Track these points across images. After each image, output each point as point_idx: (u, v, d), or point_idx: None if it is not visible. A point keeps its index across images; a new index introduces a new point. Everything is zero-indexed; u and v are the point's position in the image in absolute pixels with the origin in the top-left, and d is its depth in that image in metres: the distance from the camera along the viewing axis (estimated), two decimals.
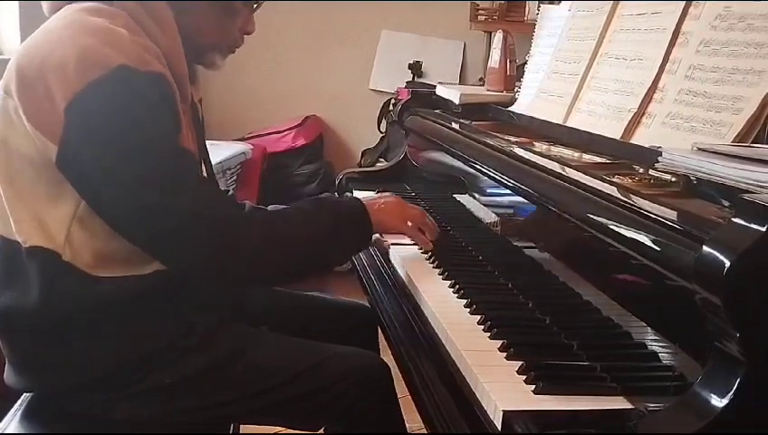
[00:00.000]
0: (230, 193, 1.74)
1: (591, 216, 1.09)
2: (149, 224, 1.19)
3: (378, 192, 2.05)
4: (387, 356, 1.39)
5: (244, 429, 1.77)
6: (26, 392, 1.34)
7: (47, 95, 1.14)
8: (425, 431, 1.16)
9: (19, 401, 1.35)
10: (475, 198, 1.65)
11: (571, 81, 1.60)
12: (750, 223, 0.77)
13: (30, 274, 1.20)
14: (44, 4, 1.31)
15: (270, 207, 1.39)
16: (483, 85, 2.33)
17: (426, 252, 1.53)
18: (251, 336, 1.35)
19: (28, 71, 1.18)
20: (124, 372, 1.24)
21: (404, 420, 1.39)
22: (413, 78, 4.06)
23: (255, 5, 1.40)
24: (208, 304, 1.32)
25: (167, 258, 1.24)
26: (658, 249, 0.92)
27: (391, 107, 3.73)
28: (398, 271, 1.51)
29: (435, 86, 2.31)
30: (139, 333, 1.24)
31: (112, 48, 1.15)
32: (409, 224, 1.49)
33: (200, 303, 1.30)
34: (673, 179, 1.11)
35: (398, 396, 1.37)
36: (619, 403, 0.94)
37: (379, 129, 3.96)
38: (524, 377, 0.99)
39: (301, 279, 1.45)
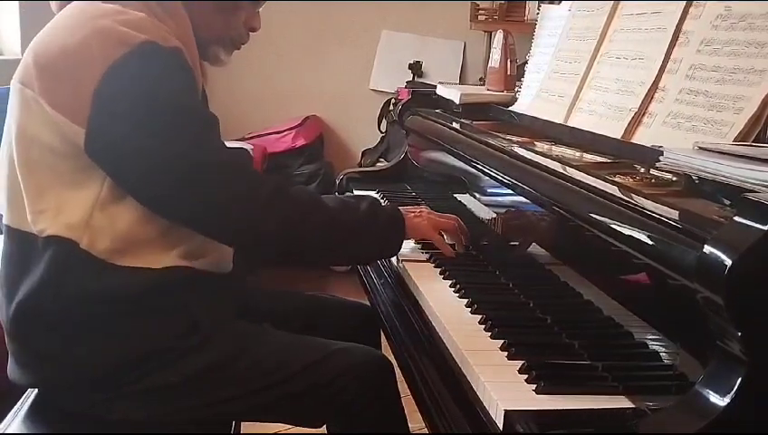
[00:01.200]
0: None
1: (593, 215, 1.09)
2: (196, 188, 1.20)
3: (378, 191, 2.05)
4: (388, 356, 1.39)
5: (244, 428, 1.77)
6: (29, 387, 1.34)
7: (70, 79, 1.16)
8: (426, 431, 1.16)
9: (20, 401, 1.35)
10: (475, 197, 1.65)
11: (572, 80, 1.60)
12: (752, 222, 0.77)
13: (43, 265, 1.20)
14: (53, 3, 1.33)
15: None
16: (483, 85, 2.32)
17: (425, 251, 1.54)
18: (252, 334, 1.35)
19: (47, 58, 1.19)
20: (126, 369, 1.24)
21: (406, 417, 1.39)
22: (413, 78, 4.06)
23: (260, 3, 1.42)
24: (213, 303, 1.32)
25: (210, 221, 1.25)
26: (660, 249, 0.92)
27: (391, 107, 3.73)
28: (399, 271, 1.51)
29: (435, 86, 2.31)
30: (143, 330, 1.24)
31: (132, 27, 1.17)
32: (438, 234, 1.52)
33: (206, 302, 1.30)
34: (674, 179, 1.12)
35: (401, 396, 1.37)
36: (620, 403, 0.94)
37: (379, 129, 3.96)
38: (526, 376, 0.99)
39: (329, 263, 1.43)
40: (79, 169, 1.20)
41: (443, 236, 1.54)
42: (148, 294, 1.23)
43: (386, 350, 1.45)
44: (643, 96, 1.34)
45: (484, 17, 3.82)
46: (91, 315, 1.22)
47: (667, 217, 0.94)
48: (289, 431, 2.22)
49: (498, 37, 2.12)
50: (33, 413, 1.31)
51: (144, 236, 1.23)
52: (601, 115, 1.45)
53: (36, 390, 1.35)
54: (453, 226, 1.54)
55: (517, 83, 1.98)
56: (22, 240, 1.23)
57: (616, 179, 1.15)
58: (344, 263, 1.46)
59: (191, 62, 1.25)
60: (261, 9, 1.44)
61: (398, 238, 1.44)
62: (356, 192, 2.11)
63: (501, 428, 0.91)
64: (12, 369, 1.30)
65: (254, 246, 1.33)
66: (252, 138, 3.93)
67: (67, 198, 1.20)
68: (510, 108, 1.86)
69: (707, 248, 0.80)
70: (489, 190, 1.56)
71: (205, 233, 1.27)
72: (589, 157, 1.39)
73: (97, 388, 1.25)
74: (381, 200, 1.98)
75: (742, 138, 1.10)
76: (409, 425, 1.42)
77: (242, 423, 1.74)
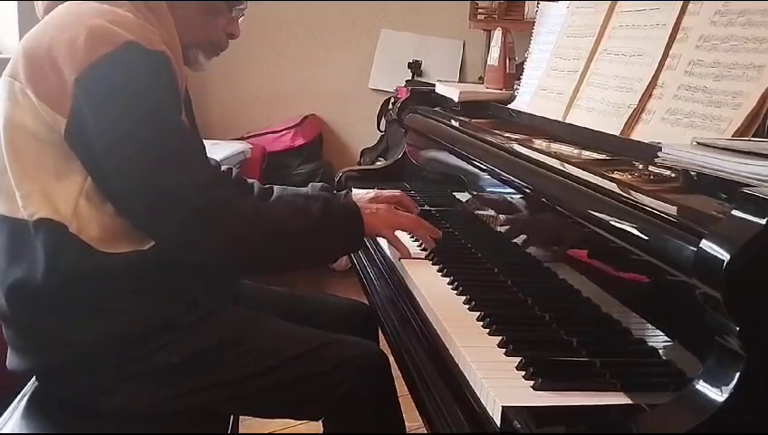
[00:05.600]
0: (233, 172, 1.75)
1: (591, 212, 1.09)
2: (146, 195, 1.21)
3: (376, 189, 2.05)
4: (386, 354, 1.39)
5: (243, 427, 1.77)
6: (28, 374, 1.34)
7: (56, 70, 1.18)
8: (424, 431, 1.16)
9: (18, 397, 1.34)
10: (474, 195, 1.65)
11: (571, 78, 1.59)
12: (750, 216, 0.77)
13: (36, 246, 1.22)
14: (39, 5, 1.34)
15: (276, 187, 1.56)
16: (482, 84, 2.32)
17: (425, 249, 1.53)
18: (251, 318, 1.36)
19: (36, 51, 1.22)
20: (125, 348, 1.24)
21: (402, 413, 1.39)
22: (412, 77, 4.06)
23: (238, 9, 1.43)
24: (210, 282, 1.32)
25: (157, 233, 1.25)
26: (658, 244, 0.92)
27: (391, 106, 3.73)
28: (398, 269, 1.50)
29: (434, 85, 2.30)
30: (140, 305, 1.25)
31: (119, 27, 1.20)
32: (396, 232, 1.49)
33: (202, 280, 1.30)
34: (673, 175, 1.11)
35: (398, 394, 1.37)
36: (618, 399, 0.94)
37: (378, 128, 3.96)
38: (523, 373, 0.99)
39: (286, 271, 1.44)
40: (62, 159, 1.22)
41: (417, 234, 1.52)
42: (143, 272, 1.25)
43: (384, 349, 1.44)
44: (641, 93, 1.34)
45: (484, 16, 3.82)
46: (86, 294, 1.23)
47: (665, 213, 0.93)
48: (286, 431, 2.22)
49: (497, 35, 2.12)
50: (32, 407, 1.31)
51: (129, 224, 1.24)
52: (600, 112, 1.45)
53: (36, 383, 1.34)
54: (411, 224, 1.51)
55: (516, 82, 1.98)
56: (13, 228, 1.24)
57: (614, 176, 1.15)
58: (304, 266, 1.47)
59: (176, 66, 1.27)
60: (241, 19, 1.45)
61: (357, 236, 1.40)
62: (355, 190, 2.11)
63: (498, 424, 0.90)
64: (10, 358, 1.30)
65: (201, 261, 1.30)
66: (251, 137, 3.93)
67: (53, 185, 1.22)
68: (508, 106, 1.86)
69: (705, 243, 0.79)
70: (488, 188, 1.56)
71: (152, 236, 1.26)
72: (587, 154, 1.38)
73: (96, 369, 1.25)
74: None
75: (740, 133, 1.10)
76: (407, 424, 1.42)
77: (239, 424, 1.74)
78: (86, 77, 1.17)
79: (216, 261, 1.30)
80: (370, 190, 1.81)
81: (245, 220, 1.28)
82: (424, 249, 1.53)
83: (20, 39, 2.95)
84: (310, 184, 1.77)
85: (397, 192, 1.75)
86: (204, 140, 1.47)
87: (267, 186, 1.75)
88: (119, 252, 1.24)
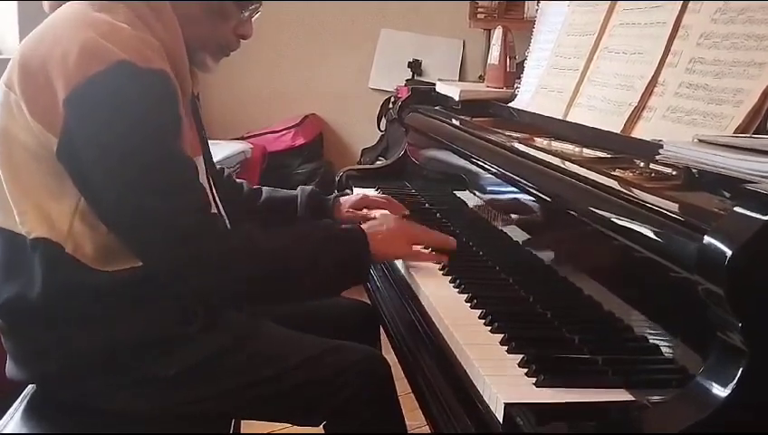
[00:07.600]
0: (232, 177, 1.74)
1: (593, 209, 1.09)
2: (131, 219, 1.18)
3: (378, 189, 2.05)
4: (389, 355, 1.39)
5: (244, 427, 1.77)
6: (27, 383, 1.34)
7: (48, 87, 1.16)
8: (426, 431, 1.16)
9: (18, 400, 1.34)
10: (475, 194, 1.65)
11: (571, 76, 1.60)
12: (752, 213, 0.77)
13: (34, 264, 1.21)
14: (45, 3, 1.33)
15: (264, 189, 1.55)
16: (482, 83, 2.32)
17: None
18: (251, 326, 1.35)
19: (31, 64, 1.19)
20: (123, 357, 1.24)
21: (403, 417, 1.39)
22: (413, 76, 4.06)
23: (251, 10, 1.38)
24: None
25: (144, 257, 1.22)
26: (660, 241, 0.92)
27: (391, 105, 3.73)
28: (399, 267, 1.50)
29: (434, 84, 2.31)
30: (139, 318, 1.24)
31: (113, 43, 1.15)
32: (415, 247, 1.44)
33: None
34: (674, 172, 1.11)
35: (400, 394, 1.37)
36: (620, 396, 0.94)
37: (378, 127, 3.95)
38: (526, 370, 0.99)
39: (279, 303, 1.41)
40: (56, 176, 1.20)
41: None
42: (139, 287, 1.23)
43: (386, 347, 1.45)
44: (642, 90, 1.34)
45: (483, 15, 3.82)
46: (84, 307, 1.23)
47: (667, 210, 0.94)
48: (287, 431, 2.22)
49: (497, 33, 2.12)
50: (32, 409, 1.31)
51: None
52: (601, 110, 1.45)
53: (34, 386, 1.34)
54: (423, 234, 1.46)
55: (516, 80, 1.98)
56: (10, 240, 1.23)
57: (616, 174, 1.15)
58: (299, 298, 1.42)
59: (176, 72, 1.23)
60: (256, 17, 1.40)
61: (363, 266, 1.34)
62: (355, 189, 2.11)
63: (501, 421, 0.91)
64: (9, 366, 1.30)
65: (185, 285, 1.25)
66: (251, 136, 3.93)
67: (49, 204, 1.21)
68: (509, 104, 1.86)
69: (707, 239, 0.79)
70: (489, 187, 1.56)
71: (139, 258, 1.23)
72: (588, 152, 1.38)
73: (94, 376, 1.24)
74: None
75: (741, 131, 1.10)
76: (409, 423, 1.42)
77: (241, 423, 1.74)
78: (76, 97, 1.13)
79: (198, 287, 1.24)
80: (358, 194, 1.81)
81: (231, 249, 1.23)
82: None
83: (20, 39, 2.97)
84: (300, 187, 1.74)
85: (383, 197, 1.75)
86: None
87: (256, 187, 1.72)
88: (115, 269, 1.22)
